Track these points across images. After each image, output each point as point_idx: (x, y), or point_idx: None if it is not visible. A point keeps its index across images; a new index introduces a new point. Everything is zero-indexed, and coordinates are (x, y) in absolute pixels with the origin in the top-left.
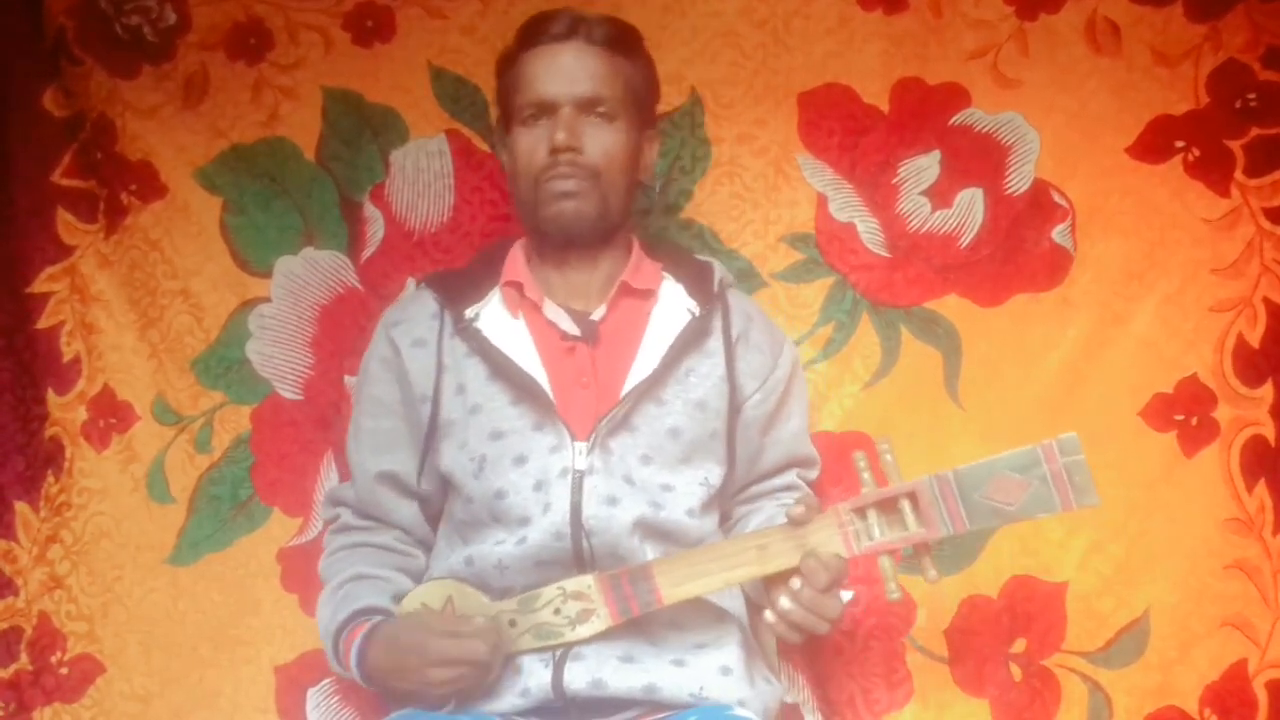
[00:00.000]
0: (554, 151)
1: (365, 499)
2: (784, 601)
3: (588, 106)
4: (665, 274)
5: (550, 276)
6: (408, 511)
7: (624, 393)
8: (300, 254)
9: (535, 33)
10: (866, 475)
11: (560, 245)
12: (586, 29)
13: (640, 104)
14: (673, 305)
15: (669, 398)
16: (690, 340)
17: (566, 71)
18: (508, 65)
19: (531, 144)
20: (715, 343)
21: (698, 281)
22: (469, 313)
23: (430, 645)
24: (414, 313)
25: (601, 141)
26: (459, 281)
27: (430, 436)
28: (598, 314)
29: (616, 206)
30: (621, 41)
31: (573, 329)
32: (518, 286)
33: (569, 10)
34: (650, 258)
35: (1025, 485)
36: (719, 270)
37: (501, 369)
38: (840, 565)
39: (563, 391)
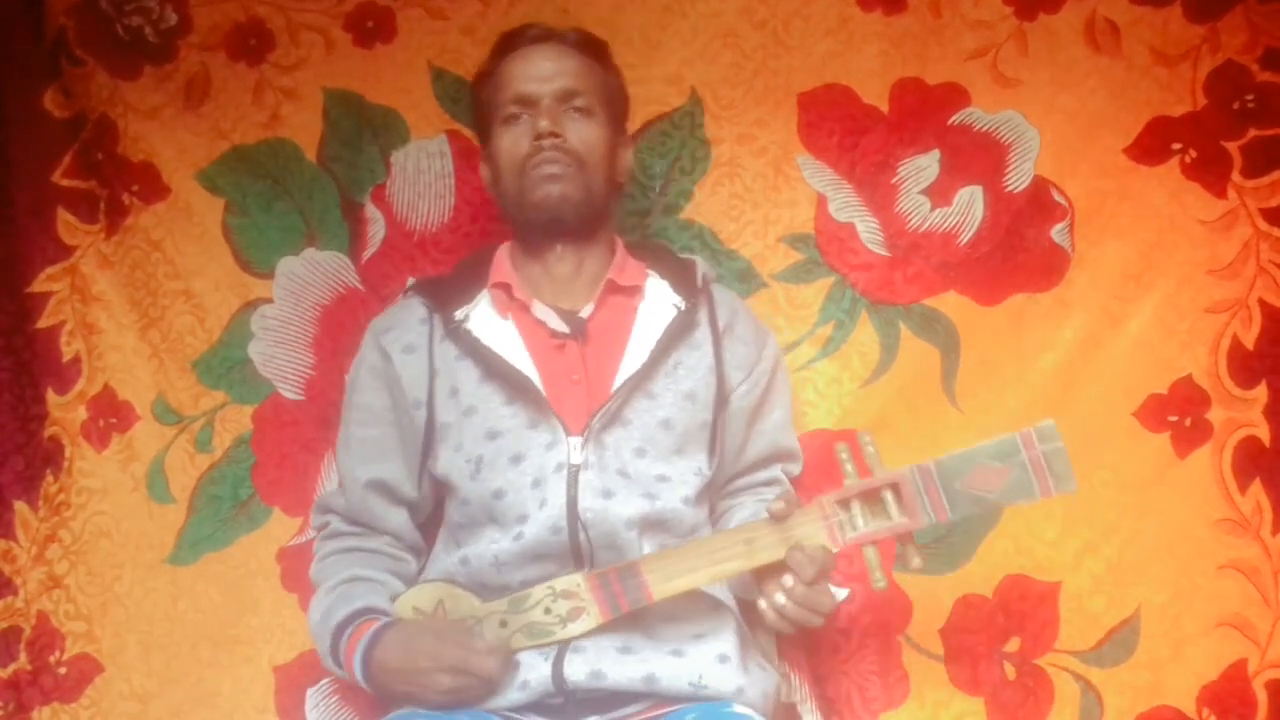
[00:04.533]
0: (538, 138)
1: (355, 507)
2: (778, 597)
3: (566, 98)
4: (650, 272)
5: (537, 277)
6: (397, 518)
7: (615, 387)
8: (302, 255)
9: (511, 40)
10: (849, 467)
11: (547, 234)
12: (560, 34)
13: (614, 108)
14: (659, 300)
15: (659, 390)
16: (678, 333)
17: (545, 68)
18: (485, 78)
19: (514, 139)
20: (702, 334)
21: (681, 277)
22: (458, 314)
23: (445, 653)
24: (402, 319)
25: (581, 132)
26: (446, 286)
27: (428, 442)
28: (586, 311)
29: (599, 196)
30: (594, 47)
31: (561, 327)
32: (505, 288)
33: (540, 24)
34: (634, 258)
35: (1005, 473)
36: (701, 266)
37: (494, 369)
38: (826, 557)
39: (555, 388)
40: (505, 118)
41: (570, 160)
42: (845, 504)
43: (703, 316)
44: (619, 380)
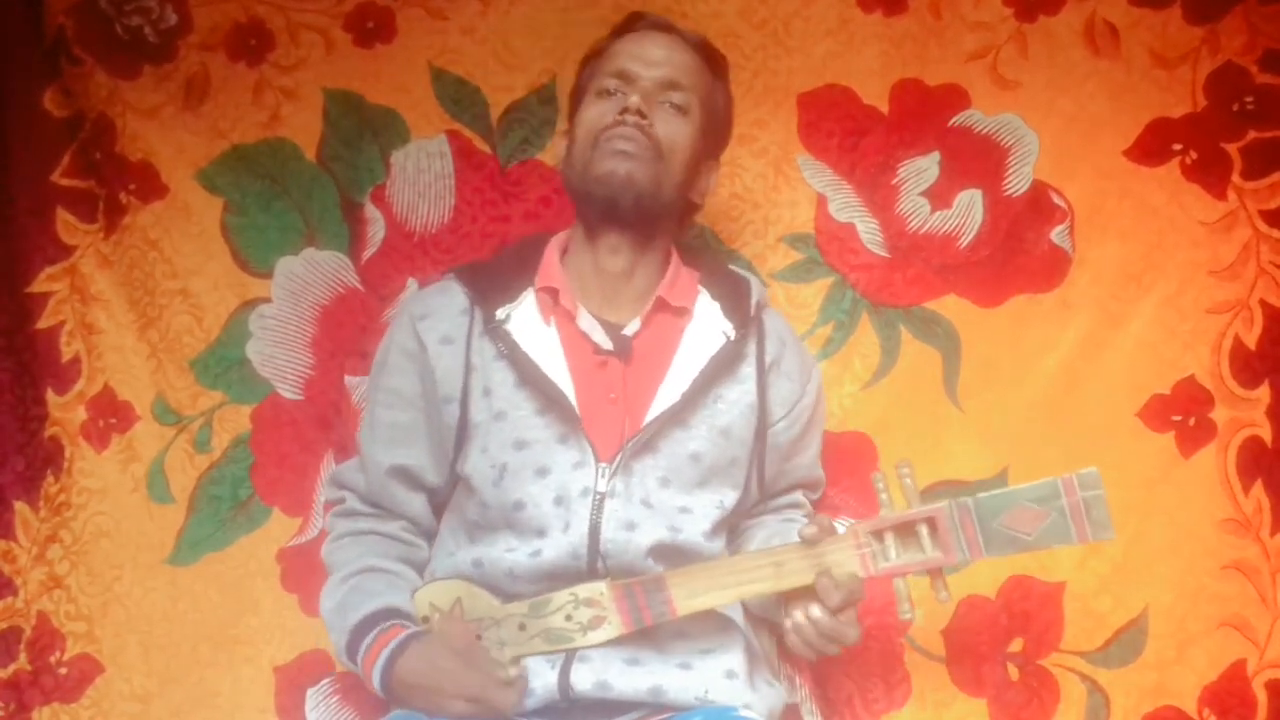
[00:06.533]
0: (623, 112)
1: (375, 490)
2: (800, 619)
3: (666, 87)
4: (702, 288)
5: (587, 274)
6: (417, 504)
7: (651, 414)
8: (301, 254)
9: (631, 22)
10: (885, 497)
11: (603, 217)
12: (683, 32)
13: (712, 120)
14: (707, 325)
15: (695, 422)
16: (723, 365)
17: (654, 53)
18: (594, 55)
19: (601, 110)
20: (748, 369)
21: (734, 300)
22: (500, 313)
23: (466, 680)
24: (441, 306)
25: (670, 126)
26: (490, 277)
27: (460, 439)
28: (631, 328)
29: (668, 197)
30: (712, 58)
31: (606, 343)
32: (552, 293)
33: (664, 17)
34: (688, 267)
35: (1043, 516)
36: (757, 290)
37: (529, 376)
38: (855, 585)
39: (590, 405)
40: (599, 90)
41: (648, 145)
42: (879, 534)
43: (751, 348)
44: (656, 405)
